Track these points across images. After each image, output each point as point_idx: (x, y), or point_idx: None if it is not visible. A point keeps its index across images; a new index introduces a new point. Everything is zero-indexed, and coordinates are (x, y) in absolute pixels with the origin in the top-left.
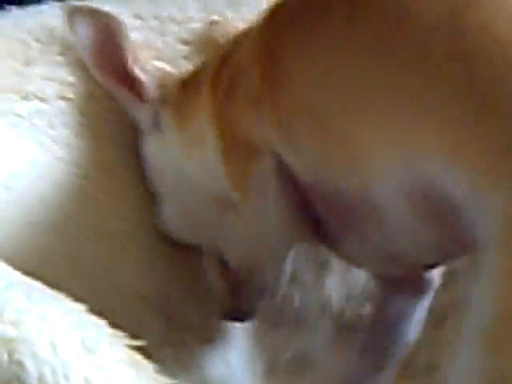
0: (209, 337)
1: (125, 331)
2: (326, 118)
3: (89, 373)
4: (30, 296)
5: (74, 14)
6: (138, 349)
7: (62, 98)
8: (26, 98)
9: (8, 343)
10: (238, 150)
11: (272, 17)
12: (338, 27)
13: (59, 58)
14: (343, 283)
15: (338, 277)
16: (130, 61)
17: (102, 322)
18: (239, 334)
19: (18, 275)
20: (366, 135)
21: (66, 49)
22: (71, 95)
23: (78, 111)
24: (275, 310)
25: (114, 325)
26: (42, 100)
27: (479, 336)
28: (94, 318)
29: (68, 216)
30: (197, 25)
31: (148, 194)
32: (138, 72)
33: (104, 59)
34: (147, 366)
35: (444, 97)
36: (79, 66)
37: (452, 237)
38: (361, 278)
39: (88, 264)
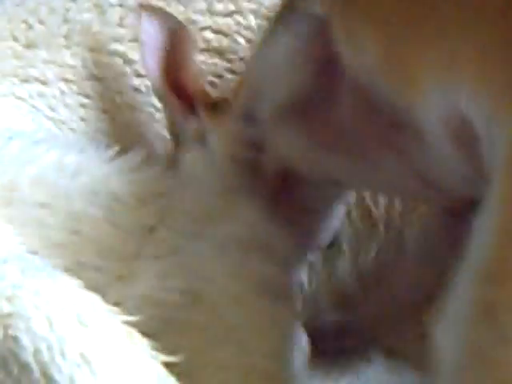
0: None
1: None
2: (393, 26)
3: (85, 348)
4: (25, 271)
5: (147, 10)
6: (135, 325)
7: (63, 79)
8: (26, 81)
9: (3, 319)
10: None
11: None
12: None
13: (61, 40)
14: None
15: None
16: (190, 73)
17: (98, 298)
18: None
19: (13, 248)
20: (420, 54)
21: (69, 31)
22: (72, 77)
23: (79, 93)
24: None
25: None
26: (43, 83)
27: (477, 265)
28: (89, 294)
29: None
30: None
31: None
32: (192, 85)
33: (163, 62)
34: (144, 342)
35: (481, 29)
36: (81, 48)
37: (478, 171)
38: None
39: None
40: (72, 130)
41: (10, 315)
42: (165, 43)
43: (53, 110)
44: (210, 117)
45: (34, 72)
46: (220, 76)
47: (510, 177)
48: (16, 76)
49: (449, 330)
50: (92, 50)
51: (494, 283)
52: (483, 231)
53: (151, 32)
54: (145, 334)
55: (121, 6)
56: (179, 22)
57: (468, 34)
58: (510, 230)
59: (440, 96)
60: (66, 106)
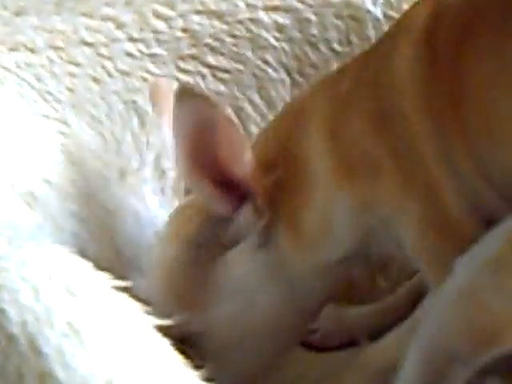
0: None
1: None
2: None
3: (72, 318)
4: (11, 241)
5: (184, 93)
6: (124, 290)
7: (52, 47)
8: (14, 49)
9: None
10: None
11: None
12: None
13: (51, 7)
14: None
15: None
16: (240, 164)
17: (87, 264)
18: None
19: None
20: None
21: None
22: (61, 44)
23: (69, 61)
24: None
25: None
26: (31, 51)
27: None
28: (78, 261)
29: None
30: None
31: None
32: (239, 175)
33: (200, 155)
34: (134, 306)
35: None
36: (72, 14)
37: None
38: None
39: None
40: (58, 101)
41: None
42: (200, 131)
43: (40, 80)
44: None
45: (22, 39)
46: (220, 40)
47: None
48: (3, 44)
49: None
50: (83, 14)
51: None
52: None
53: (186, 119)
54: (135, 297)
55: None
56: (218, 105)
57: None
58: None
59: None
60: (54, 75)
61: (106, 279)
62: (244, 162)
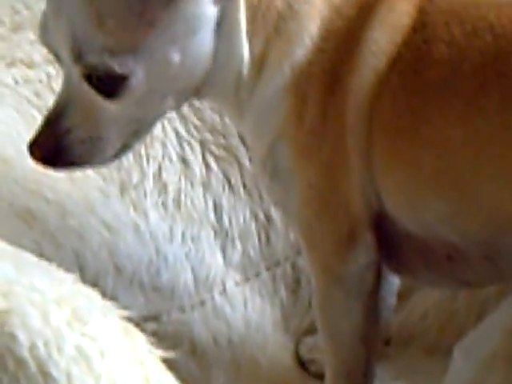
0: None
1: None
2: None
3: (81, 342)
4: (19, 267)
5: None
6: (130, 320)
7: (50, 62)
8: (12, 64)
9: (1, 316)
10: None
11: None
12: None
13: None
14: None
15: None
16: None
17: (94, 293)
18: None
19: (5, 246)
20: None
21: None
22: None
23: None
24: None
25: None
26: (29, 66)
27: None
28: (85, 289)
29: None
30: None
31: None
32: None
33: None
34: (140, 337)
35: None
36: None
37: None
38: None
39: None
40: None
41: (5, 311)
42: None
43: (38, 96)
44: None
45: (20, 54)
46: None
47: None
48: (1, 59)
49: None
50: None
51: None
52: None
53: None
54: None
55: None
56: None
57: None
58: None
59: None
60: (53, 91)
61: (112, 308)
62: None
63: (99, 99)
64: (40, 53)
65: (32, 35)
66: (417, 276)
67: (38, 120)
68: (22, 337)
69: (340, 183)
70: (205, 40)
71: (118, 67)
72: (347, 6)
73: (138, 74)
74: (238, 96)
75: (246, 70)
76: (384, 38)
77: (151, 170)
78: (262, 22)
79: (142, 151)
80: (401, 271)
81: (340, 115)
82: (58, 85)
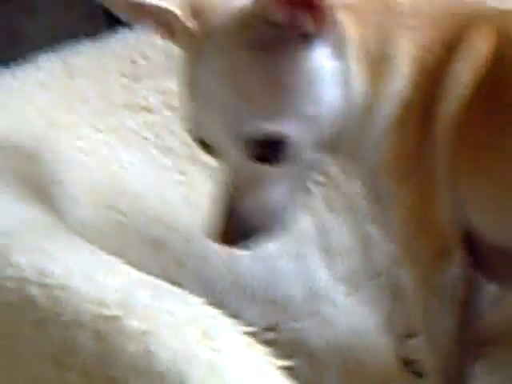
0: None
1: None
2: None
3: (211, 357)
4: (154, 293)
5: None
6: (252, 334)
7: (168, 107)
8: (134, 111)
9: (141, 336)
10: None
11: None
12: None
13: (164, 71)
14: None
15: None
16: None
17: (219, 312)
18: None
19: (140, 275)
20: None
21: (170, 59)
22: (176, 104)
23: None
24: None
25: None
26: (149, 111)
27: None
28: (212, 310)
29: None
30: None
31: None
32: None
33: None
34: (262, 349)
35: None
36: None
37: None
38: None
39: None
40: (177, 155)
41: (143, 333)
42: None
43: (158, 137)
44: None
45: (141, 101)
46: None
47: None
48: (125, 107)
49: None
50: None
51: None
52: None
53: None
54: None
55: None
56: None
57: None
58: None
59: None
60: (170, 131)
61: (236, 324)
62: None
63: (265, 170)
64: (157, 99)
65: (151, 83)
66: (505, 282)
67: (158, 158)
68: (161, 355)
69: (432, 204)
70: (331, 89)
71: (273, 132)
72: (434, 46)
73: (291, 133)
74: (350, 136)
75: (360, 113)
76: (466, 70)
77: None
78: (367, 68)
79: None
80: (491, 279)
81: (431, 141)
82: (175, 126)
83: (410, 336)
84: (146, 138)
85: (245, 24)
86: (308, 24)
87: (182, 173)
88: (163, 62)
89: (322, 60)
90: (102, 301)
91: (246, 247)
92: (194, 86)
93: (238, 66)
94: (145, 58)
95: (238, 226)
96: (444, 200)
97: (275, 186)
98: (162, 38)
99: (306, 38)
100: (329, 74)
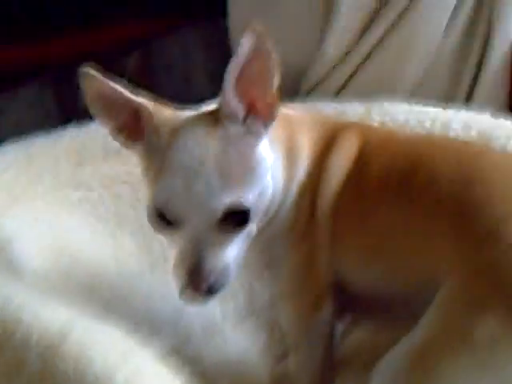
0: None
1: None
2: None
3: (129, 372)
4: (86, 325)
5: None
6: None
7: (103, 186)
8: (77, 189)
9: (74, 359)
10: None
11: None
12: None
13: (100, 159)
14: None
15: None
16: (262, 91)
17: (136, 340)
18: None
19: (77, 311)
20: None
21: (105, 150)
22: (108, 183)
23: (113, 195)
24: None
25: None
26: (89, 190)
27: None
28: (130, 338)
29: None
30: None
31: None
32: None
33: (241, 73)
34: (168, 368)
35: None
36: (115, 162)
37: None
38: None
39: None
40: (108, 222)
41: (78, 356)
42: (250, 60)
43: (95, 208)
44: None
45: (82, 181)
46: None
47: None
48: (69, 185)
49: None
50: (123, 164)
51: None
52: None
53: (245, 48)
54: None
55: None
56: (270, 48)
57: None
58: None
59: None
60: (105, 205)
61: (149, 348)
62: (272, 93)
63: (224, 235)
64: (97, 180)
65: (90, 169)
66: (359, 317)
67: (93, 225)
68: (88, 370)
69: (315, 263)
70: (269, 173)
71: (242, 204)
72: (320, 144)
73: (251, 205)
74: (272, 210)
75: (279, 194)
76: (338, 165)
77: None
78: (285, 158)
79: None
80: (356, 316)
81: (316, 219)
82: (108, 201)
83: (286, 357)
84: (85, 210)
85: (216, 121)
86: (259, 122)
87: (112, 236)
88: (100, 152)
89: (265, 152)
90: (44, 330)
91: (209, 299)
92: (175, 168)
93: (216, 154)
94: (86, 148)
95: (206, 282)
96: (324, 261)
97: (231, 248)
98: (113, 135)
99: (257, 134)
100: (269, 163)
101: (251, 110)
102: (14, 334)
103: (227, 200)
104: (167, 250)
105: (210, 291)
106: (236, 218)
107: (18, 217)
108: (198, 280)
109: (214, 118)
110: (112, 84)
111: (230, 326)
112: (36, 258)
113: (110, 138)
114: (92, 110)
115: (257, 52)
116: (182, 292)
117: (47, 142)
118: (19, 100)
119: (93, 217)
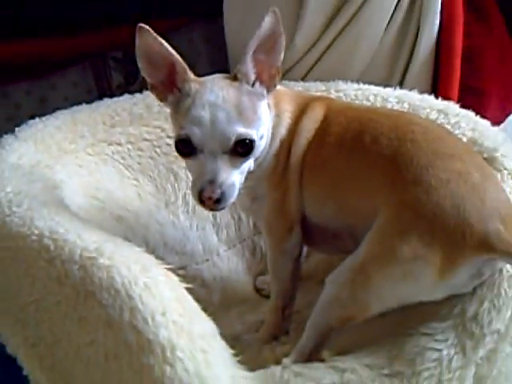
0: None
1: None
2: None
3: (147, 280)
4: (115, 244)
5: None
6: (171, 271)
7: (129, 142)
8: (110, 144)
9: (107, 268)
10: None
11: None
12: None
13: (127, 122)
14: None
15: None
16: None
17: (151, 256)
18: None
19: (108, 235)
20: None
21: (133, 116)
22: (133, 140)
23: (137, 148)
24: None
25: None
26: (119, 145)
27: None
28: (147, 255)
29: None
30: None
31: None
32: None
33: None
34: (176, 279)
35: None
36: (139, 125)
37: None
38: None
39: None
40: (134, 170)
41: (109, 266)
42: (267, 37)
43: (124, 159)
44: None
45: (114, 139)
46: None
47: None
48: (104, 141)
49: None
50: (144, 125)
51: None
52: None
53: (266, 26)
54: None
55: None
56: (282, 30)
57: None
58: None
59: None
60: (131, 157)
61: (161, 264)
62: (276, 67)
63: (238, 161)
64: (124, 138)
65: (120, 129)
66: (318, 247)
67: (123, 171)
68: (117, 278)
69: (288, 200)
70: (268, 123)
71: (252, 136)
72: (296, 110)
73: (258, 140)
74: (263, 154)
75: (268, 143)
76: (308, 126)
77: (181, 194)
78: (273, 119)
79: (176, 186)
80: (310, 244)
81: (291, 164)
82: (134, 154)
83: (262, 274)
84: (116, 160)
85: (234, 79)
86: (263, 87)
87: (135, 179)
88: (127, 117)
89: (265, 107)
90: (85, 247)
91: (217, 208)
92: (203, 104)
93: (234, 96)
94: (116, 114)
95: (219, 189)
96: (294, 198)
97: (236, 172)
98: (152, 88)
99: (261, 96)
100: (268, 115)
101: (258, 77)
102: (63, 249)
103: (241, 130)
104: (177, 190)
105: (220, 200)
106: (243, 148)
107: (66, 165)
108: (213, 187)
109: (233, 77)
110: (160, 39)
111: (223, 248)
112: (79, 196)
113: (134, 107)
114: (139, 64)
115: (272, 32)
116: (198, 198)
117: (88, 110)
118: (67, 79)
119: (122, 165)
